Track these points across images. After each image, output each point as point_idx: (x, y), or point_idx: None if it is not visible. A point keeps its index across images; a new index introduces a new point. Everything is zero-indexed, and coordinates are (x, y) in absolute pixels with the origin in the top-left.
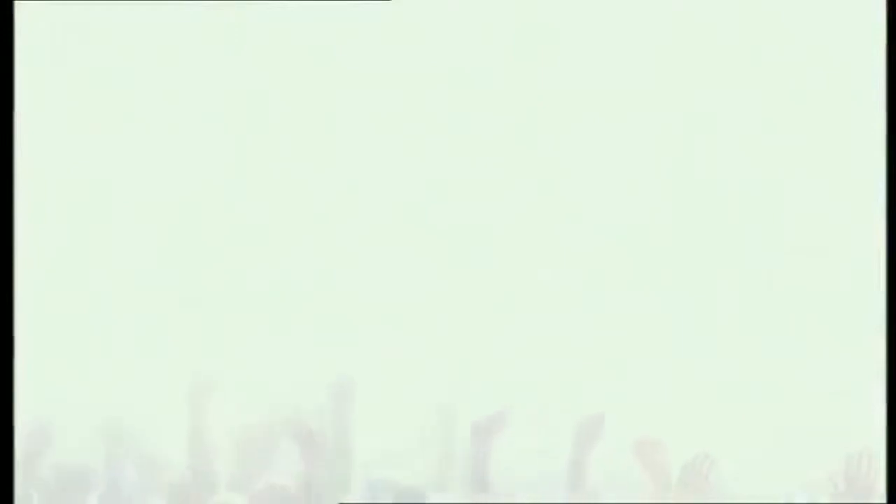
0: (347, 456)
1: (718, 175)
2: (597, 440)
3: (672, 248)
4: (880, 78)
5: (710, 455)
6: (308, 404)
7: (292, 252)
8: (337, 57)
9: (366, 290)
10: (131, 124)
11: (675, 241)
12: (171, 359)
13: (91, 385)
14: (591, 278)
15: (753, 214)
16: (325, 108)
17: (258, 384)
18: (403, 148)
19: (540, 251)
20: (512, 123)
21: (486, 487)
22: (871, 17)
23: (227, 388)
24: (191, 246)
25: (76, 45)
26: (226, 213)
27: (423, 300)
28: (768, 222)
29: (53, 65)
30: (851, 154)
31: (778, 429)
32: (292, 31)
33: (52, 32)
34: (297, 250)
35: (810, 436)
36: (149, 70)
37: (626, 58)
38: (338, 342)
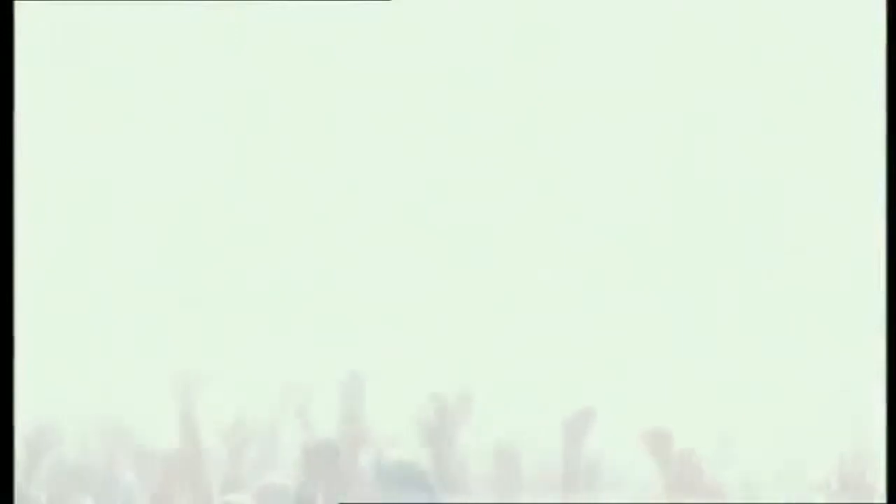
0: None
1: (718, 175)
2: (587, 434)
3: (672, 248)
4: (880, 78)
5: (694, 449)
6: (308, 403)
7: (292, 252)
8: (337, 57)
9: (366, 290)
10: (131, 124)
11: (675, 241)
12: (170, 358)
13: (91, 385)
14: (591, 278)
15: (753, 214)
16: (325, 108)
17: (258, 384)
18: (403, 148)
19: (540, 251)
20: (512, 123)
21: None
22: (871, 17)
23: (227, 388)
24: (191, 246)
25: (76, 45)
26: (226, 213)
27: (423, 300)
28: (768, 222)
29: (53, 65)
30: (851, 154)
31: (778, 429)
32: (292, 31)
33: (52, 32)
34: (297, 250)
35: (810, 436)
36: (149, 70)
37: (626, 58)
38: (337, 342)
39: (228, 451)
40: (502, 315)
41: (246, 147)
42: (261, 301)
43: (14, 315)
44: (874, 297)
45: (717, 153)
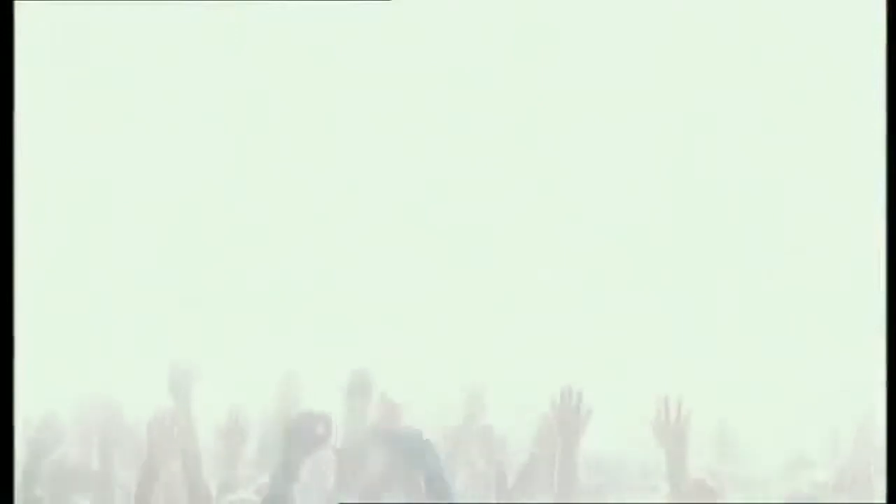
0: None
1: (718, 175)
2: (582, 433)
3: (672, 248)
4: (880, 78)
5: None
6: (307, 403)
7: (292, 252)
8: (337, 57)
9: (366, 290)
10: (131, 124)
11: (675, 241)
12: (170, 358)
13: (91, 385)
14: (591, 278)
15: (753, 214)
16: (325, 108)
17: (257, 384)
18: (403, 148)
19: (540, 251)
20: (512, 123)
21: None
22: (871, 17)
23: (227, 387)
24: (191, 246)
25: (76, 45)
26: (226, 213)
27: (422, 300)
28: (768, 222)
29: (53, 65)
30: (851, 154)
31: (778, 429)
32: (292, 31)
33: (52, 32)
34: (297, 250)
35: (810, 435)
36: (149, 70)
37: (626, 58)
38: (337, 342)
39: (227, 450)
40: (502, 315)
41: (246, 147)
42: (261, 301)
43: (14, 315)
44: (874, 297)
45: (717, 153)
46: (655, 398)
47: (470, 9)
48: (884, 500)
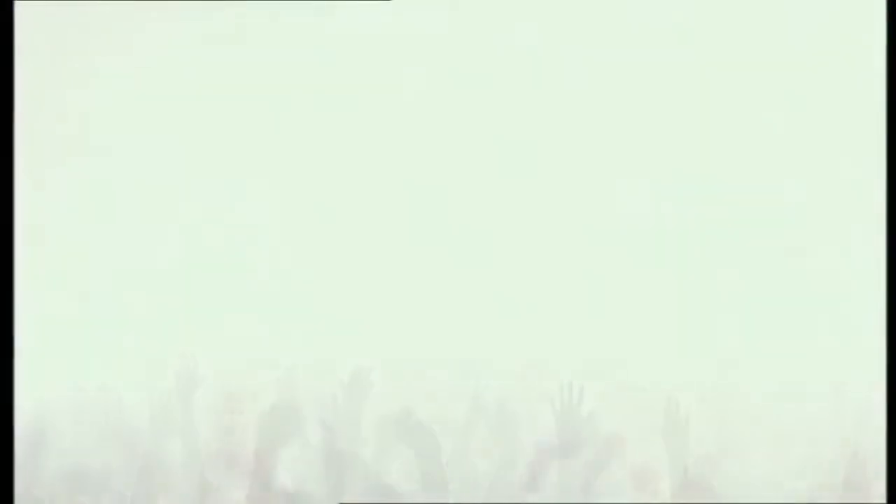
0: (353, 454)
1: (718, 175)
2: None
3: (672, 248)
4: (880, 78)
5: (712, 456)
6: (307, 403)
7: (292, 252)
8: (337, 57)
9: (366, 290)
10: (131, 124)
11: (675, 242)
12: (170, 359)
13: (92, 386)
14: (591, 278)
15: (753, 214)
16: (325, 109)
17: (257, 384)
18: (403, 148)
19: (540, 251)
20: (512, 123)
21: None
22: (871, 17)
23: (227, 387)
24: (190, 246)
25: (76, 45)
26: (226, 213)
27: (422, 300)
28: (768, 222)
29: (53, 65)
30: (851, 154)
31: (778, 429)
32: (292, 31)
33: (52, 32)
34: (297, 250)
35: (810, 436)
36: (149, 70)
37: (627, 58)
38: (338, 342)
39: (227, 450)
40: (502, 315)
41: (246, 147)
42: (261, 301)
43: (14, 315)
44: (874, 297)
45: (718, 153)
46: (655, 398)
47: (470, 9)
48: (884, 501)
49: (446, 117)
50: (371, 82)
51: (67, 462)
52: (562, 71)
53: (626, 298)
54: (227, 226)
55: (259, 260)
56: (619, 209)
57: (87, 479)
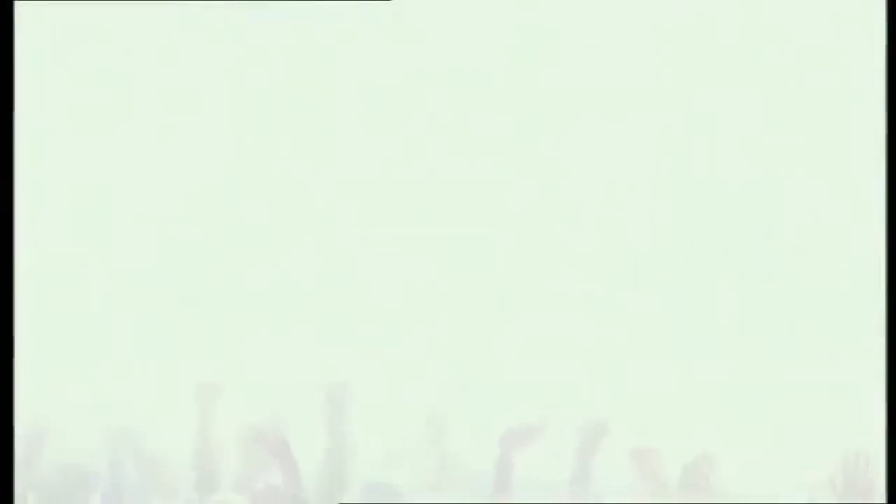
0: (344, 457)
1: (718, 175)
2: (599, 447)
3: (672, 248)
4: (880, 78)
5: (711, 456)
6: (306, 406)
7: (292, 252)
8: (337, 57)
9: (365, 291)
10: (131, 124)
11: (675, 241)
12: (170, 359)
13: (91, 386)
14: (591, 279)
15: (753, 214)
16: (325, 108)
17: (257, 385)
18: (403, 148)
19: (540, 251)
20: (512, 123)
21: (506, 490)
22: (871, 17)
23: (227, 388)
24: (191, 246)
25: (76, 45)
26: (226, 213)
27: (422, 301)
28: (768, 222)
29: (53, 65)
30: (851, 154)
31: (778, 429)
32: (292, 31)
33: (52, 32)
34: (297, 250)
35: (810, 436)
36: (149, 70)
37: (626, 58)
38: (337, 343)
39: (229, 451)
40: (501, 316)
41: (246, 147)
42: (261, 301)
43: (14, 315)
44: (874, 297)
45: (717, 153)
46: (656, 398)
47: (470, 9)
48: (884, 501)
49: (446, 117)
50: (371, 82)
51: (67, 462)
52: (562, 71)
53: (626, 299)
54: (227, 226)
55: (259, 260)
56: (619, 209)
57: (87, 479)
